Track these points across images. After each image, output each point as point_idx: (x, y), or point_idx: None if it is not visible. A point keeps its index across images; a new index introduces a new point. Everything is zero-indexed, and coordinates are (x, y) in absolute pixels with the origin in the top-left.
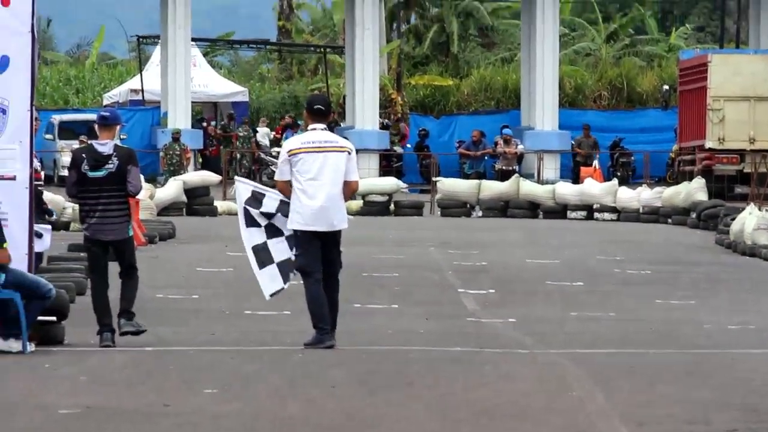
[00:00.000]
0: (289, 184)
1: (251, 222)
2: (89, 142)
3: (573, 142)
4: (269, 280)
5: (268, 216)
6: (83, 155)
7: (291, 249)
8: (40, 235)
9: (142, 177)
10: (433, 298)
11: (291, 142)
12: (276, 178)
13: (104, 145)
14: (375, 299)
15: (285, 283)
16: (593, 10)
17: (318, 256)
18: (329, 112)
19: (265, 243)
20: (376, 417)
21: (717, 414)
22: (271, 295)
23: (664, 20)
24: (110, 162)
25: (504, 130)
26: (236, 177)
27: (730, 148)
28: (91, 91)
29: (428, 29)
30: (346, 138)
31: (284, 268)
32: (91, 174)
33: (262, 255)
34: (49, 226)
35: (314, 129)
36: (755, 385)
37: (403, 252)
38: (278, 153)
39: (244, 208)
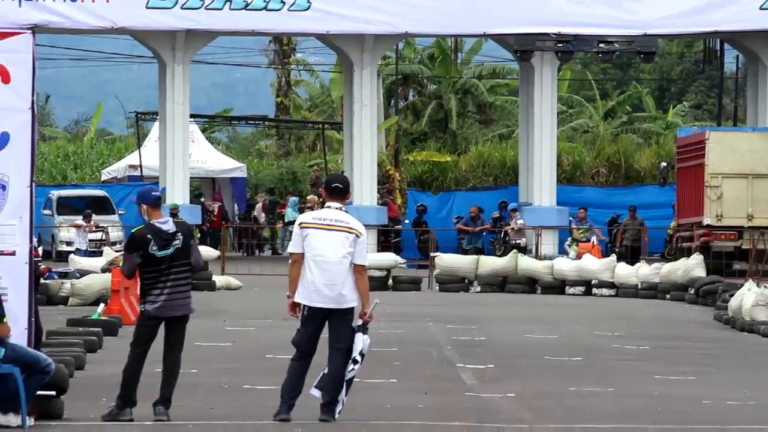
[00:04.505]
0: (302, 256)
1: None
2: (150, 221)
3: (571, 218)
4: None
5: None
6: (148, 236)
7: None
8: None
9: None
10: (431, 372)
11: (304, 216)
12: (289, 250)
13: (166, 223)
14: (374, 374)
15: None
16: (591, 87)
17: (314, 335)
18: (347, 191)
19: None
20: None
21: None
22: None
23: (662, 98)
24: (176, 239)
25: (510, 204)
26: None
27: (728, 224)
28: (90, 166)
29: (426, 106)
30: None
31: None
32: (159, 253)
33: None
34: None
35: (329, 207)
36: None
37: (402, 327)
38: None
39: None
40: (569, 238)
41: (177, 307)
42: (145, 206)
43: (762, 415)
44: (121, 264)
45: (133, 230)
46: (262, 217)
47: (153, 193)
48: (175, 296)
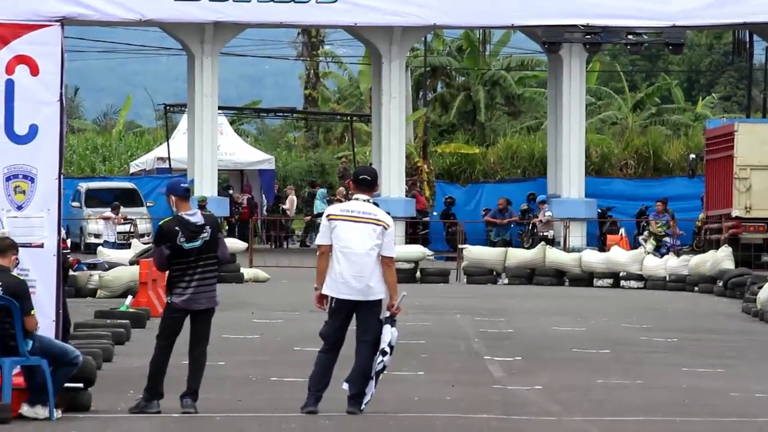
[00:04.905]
0: (329, 248)
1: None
2: (178, 213)
3: (599, 210)
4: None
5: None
6: (176, 228)
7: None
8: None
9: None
10: (459, 365)
11: (331, 208)
12: (317, 242)
13: (194, 215)
14: (401, 366)
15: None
16: (620, 79)
17: (342, 327)
18: (374, 183)
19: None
20: None
21: None
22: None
23: (691, 90)
24: (204, 231)
25: (539, 196)
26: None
27: (757, 216)
28: (118, 159)
29: (455, 98)
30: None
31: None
32: (187, 245)
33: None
34: None
35: (356, 199)
36: None
37: (429, 319)
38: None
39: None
40: (646, 232)
41: (202, 300)
42: (173, 198)
43: None
44: None
45: (160, 222)
46: (294, 205)
47: (182, 185)
48: (202, 289)
